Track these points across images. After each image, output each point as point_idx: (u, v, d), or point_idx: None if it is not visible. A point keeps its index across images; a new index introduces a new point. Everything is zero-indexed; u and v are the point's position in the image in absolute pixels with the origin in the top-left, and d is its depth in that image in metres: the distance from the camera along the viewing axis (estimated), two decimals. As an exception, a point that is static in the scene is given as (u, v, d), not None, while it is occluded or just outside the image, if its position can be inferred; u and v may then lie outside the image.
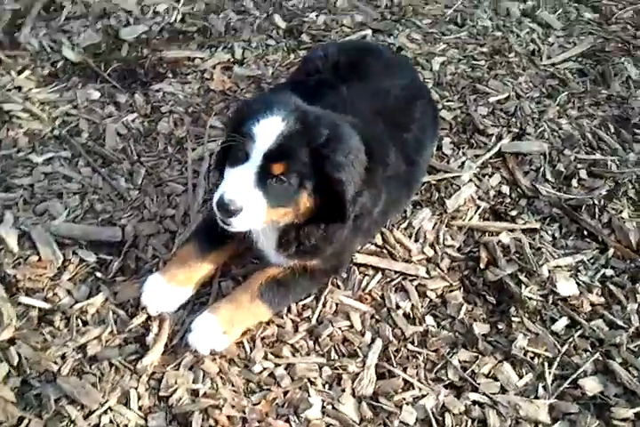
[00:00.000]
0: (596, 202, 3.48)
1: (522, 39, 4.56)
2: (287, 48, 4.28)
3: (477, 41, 4.50)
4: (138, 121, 3.66)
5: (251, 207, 2.35)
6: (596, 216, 3.42)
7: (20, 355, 2.63)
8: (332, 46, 3.56)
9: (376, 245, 3.18)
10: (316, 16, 4.52)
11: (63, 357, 2.65)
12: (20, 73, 3.82)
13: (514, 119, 3.90)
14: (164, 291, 2.77)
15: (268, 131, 2.35)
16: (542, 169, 3.64)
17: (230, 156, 2.49)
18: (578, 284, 3.13)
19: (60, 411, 2.49)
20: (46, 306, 2.80)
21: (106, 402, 2.53)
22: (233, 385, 2.63)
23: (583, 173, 3.65)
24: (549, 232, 3.36)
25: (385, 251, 3.17)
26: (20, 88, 3.74)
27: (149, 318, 2.78)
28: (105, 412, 2.51)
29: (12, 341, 2.67)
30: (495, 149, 3.70)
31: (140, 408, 2.54)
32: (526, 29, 4.65)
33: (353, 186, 2.45)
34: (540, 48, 4.50)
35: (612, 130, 3.94)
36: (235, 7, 4.51)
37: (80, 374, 2.61)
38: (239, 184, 2.36)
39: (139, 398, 2.56)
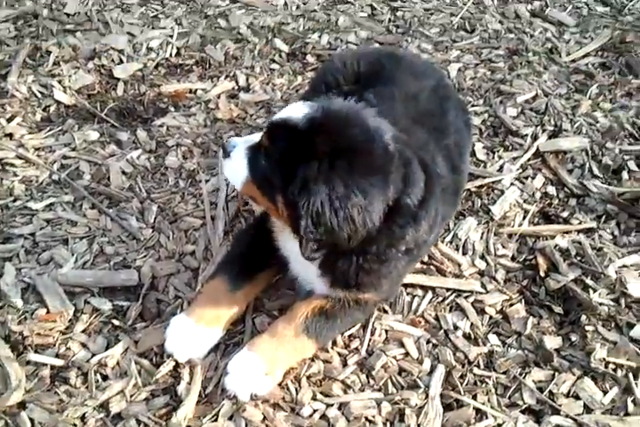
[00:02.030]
0: (654, 193, 3.25)
1: (537, 39, 4.46)
2: (293, 71, 4.09)
3: (491, 44, 4.38)
4: (143, 157, 3.41)
5: (233, 159, 2.38)
6: (657, 208, 3.21)
7: (32, 420, 2.31)
8: (348, 55, 3.32)
9: (421, 262, 2.93)
10: (319, 36, 4.34)
11: (83, 417, 2.33)
12: (9, 120, 3.57)
13: (546, 117, 3.74)
14: (192, 333, 2.48)
15: (286, 111, 2.28)
16: (587, 165, 3.46)
17: None
18: (650, 283, 2.89)
19: (86, 481, 2.19)
20: (59, 362, 2.49)
21: (137, 465, 2.22)
22: (281, 433, 2.35)
23: (632, 165, 3.47)
24: (608, 230, 3.16)
25: (432, 267, 2.93)
26: (11, 135, 3.49)
27: (177, 365, 2.49)
28: (136, 477, 2.21)
29: (22, 405, 2.35)
30: (533, 150, 3.53)
31: (176, 470, 2.24)
32: (539, 29, 4.57)
33: (319, 224, 2.10)
34: (558, 46, 4.41)
35: (651, 118, 3.80)
36: (231, 36, 4.30)
37: (104, 436, 2.30)
38: (247, 139, 2.42)
39: (174, 457, 2.25)
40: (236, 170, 2.37)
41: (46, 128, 3.58)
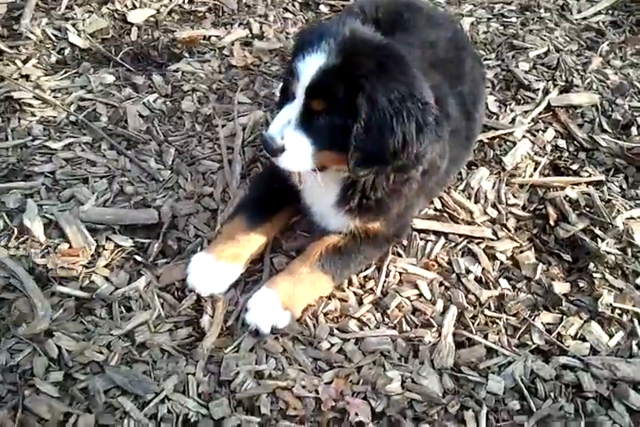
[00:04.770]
0: (662, 148, 3.30)
1: (548, -5, 4.45)
2: (306, 20, 4.09)
3: (503, 0, 4.35)
4: (159, 101, 3.43)
5: (293, 147, 2.22)
6: (665, 163, 3.27)
7: (59, 347, 2.37)
8: (368, 2, 3.31)
9: (435, 208, 3.00)
10: (333, -14, 4.29)
11: (109, 346, 2.40)
12: (25, 62, 3.57)
13: (558, 72, 3.76)
14: (213, 270, 2.54)
15: (309, 67, 2.15)
16: (597, 120, 3.50)
17: (282, 96, 2.41)
18: (656, 235, 2.96)
19: (112, 403, 2.25)
20: (84, 294, 2.55)
21: (162, 391, 2.29)
22: (300, 364, 2.43)
23: (641, 121, 3.49)
24: (616, 183, 3.22)
25: (445, 214, 2.99)
26: (27, 76, 3.49)
27: (199, 300, 2.56)
28: (162, 401, 2.27)
29: (49, 333, 2.41)
30: (544, 104, 3.56)
31: (199, 395, 2.31)
32: (551, -14, 4.54)
33: (396, 129, 2.13)
34: (569, 3, 4.41)
35: (660, 77, 3.84)
36: (245, -15, 4.27)
37: (130, 363, 2.37)
38: (282, 122, 2.22)
39: (197, 384, 2.33)
40: (298, 155, 2.24)
41: (62, 70, 3.57)
